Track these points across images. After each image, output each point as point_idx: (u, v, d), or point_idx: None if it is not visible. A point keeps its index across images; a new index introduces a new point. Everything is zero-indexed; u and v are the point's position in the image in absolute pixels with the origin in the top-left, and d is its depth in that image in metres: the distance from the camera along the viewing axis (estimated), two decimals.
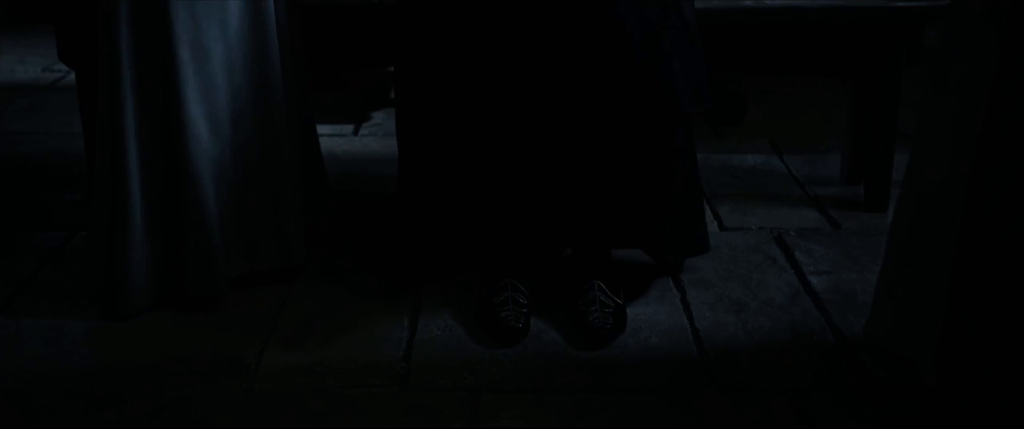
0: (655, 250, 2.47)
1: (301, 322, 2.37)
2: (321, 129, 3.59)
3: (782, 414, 2.04)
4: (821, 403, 2.07)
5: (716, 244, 2.70)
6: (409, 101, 2.43)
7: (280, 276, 2.53)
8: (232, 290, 2.45)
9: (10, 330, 2.34)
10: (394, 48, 2.48)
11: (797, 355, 2.24)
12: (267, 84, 2.40)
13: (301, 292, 2.50)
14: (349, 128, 3.66)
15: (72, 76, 3.38)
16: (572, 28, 2.24)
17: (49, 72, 4.26)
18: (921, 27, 2.83)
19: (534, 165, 2.35)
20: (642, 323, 2.37)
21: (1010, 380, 1.73)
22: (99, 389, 2.12)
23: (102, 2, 2.28)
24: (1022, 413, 1.72)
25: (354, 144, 3.53)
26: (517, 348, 2.27)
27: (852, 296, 2.48)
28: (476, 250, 2.49)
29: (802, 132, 3.62)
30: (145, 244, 2.34)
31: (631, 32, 2.22)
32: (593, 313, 2.30)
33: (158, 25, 2.27)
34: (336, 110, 3.82)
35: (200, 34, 2.29)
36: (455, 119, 2.36)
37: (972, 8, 1.86)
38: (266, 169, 2.44)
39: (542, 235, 2.42)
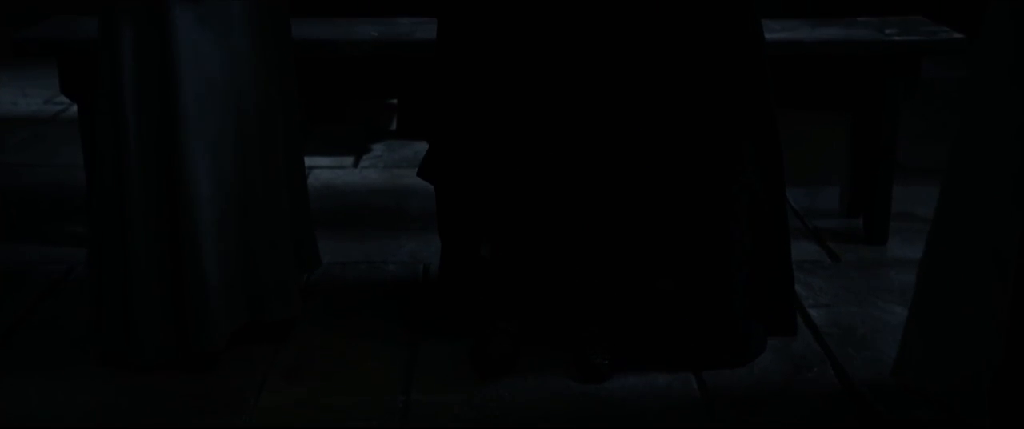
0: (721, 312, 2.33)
1: (300, 356, 2.37)
2: (321, 161, 3.61)
3: None
4: None
5: None
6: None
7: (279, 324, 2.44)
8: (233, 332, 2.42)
9: (10, 362, 2.34)
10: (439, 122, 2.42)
11: (798, 390, 2.24)
12: (267, 136, 2.33)
13: (301, 327, 2.49)
14: (349, 160, 3.67)
15: (74, 109, 3.40)
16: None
17: (51, 104, 4.27)
18: (919, 61, 2.84)
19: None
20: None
21: None
22: (100, 423, 2.11)
23: (104, 49, 2.21)
24: None
25: (354, 176, 3.53)
26: (517, 381, 2.26)
27: (852, 329, 2.48)
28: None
29: (801, 164, 3.61)
30: (155, 299, 2.26)
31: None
32: (591, 350, 2.30)
33: (163, 83, 2.19)
34: (336, 142, 3.83)
35: (201, 86, 2.21)
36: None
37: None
38: (267, 222, 2.36)
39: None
